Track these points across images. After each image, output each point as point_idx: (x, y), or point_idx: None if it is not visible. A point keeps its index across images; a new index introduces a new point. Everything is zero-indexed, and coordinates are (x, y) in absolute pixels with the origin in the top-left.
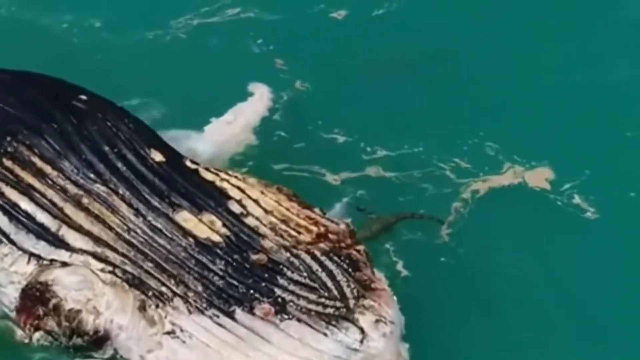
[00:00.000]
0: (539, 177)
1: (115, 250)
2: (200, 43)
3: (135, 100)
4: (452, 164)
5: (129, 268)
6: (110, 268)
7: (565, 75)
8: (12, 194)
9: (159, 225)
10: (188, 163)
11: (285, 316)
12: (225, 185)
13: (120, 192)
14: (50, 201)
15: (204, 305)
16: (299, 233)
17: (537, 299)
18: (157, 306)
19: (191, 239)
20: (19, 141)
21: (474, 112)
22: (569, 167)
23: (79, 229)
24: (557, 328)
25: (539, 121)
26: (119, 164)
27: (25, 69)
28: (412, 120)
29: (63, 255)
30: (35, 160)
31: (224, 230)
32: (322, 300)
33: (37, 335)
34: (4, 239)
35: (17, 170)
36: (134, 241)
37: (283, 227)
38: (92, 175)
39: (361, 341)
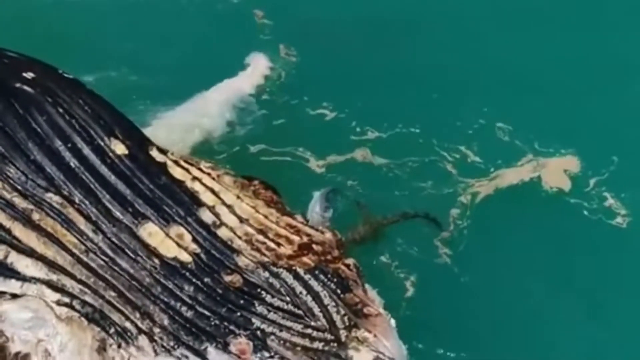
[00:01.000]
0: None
1: (72, 276)
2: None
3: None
4: (454, 152)
5: (88, 299)
6: (67, 299)
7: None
8: None
9: (121, 243)
10: (154, 153)
11: (266, 354)
12: (197, 186)
13: (77, 201)
14: None
15: (172, 343)
16: (279, 245)
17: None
18: (119, 346)
19: (156, 260)
20: None
21: (480, 89)
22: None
23: (30, 253)
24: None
25: (555, 102)
26: (74, 163)
27: None
28: (410, 96)
29: (13, 285)
30: None
31: (193, 247)
32: (309, 331)
33: None
34: None
35: None
36: (94, 265)
37: (261, 238)
38: (42, 182)
39: None
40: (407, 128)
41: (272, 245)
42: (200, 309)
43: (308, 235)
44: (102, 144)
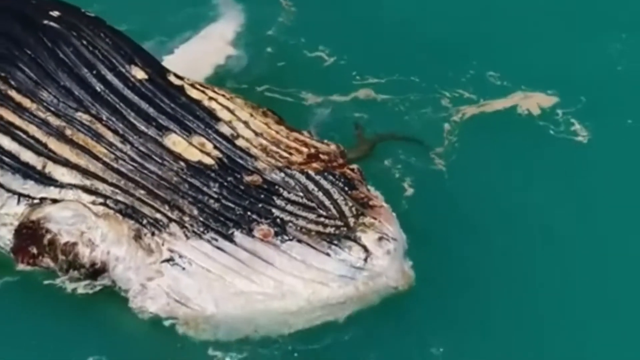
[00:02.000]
0: (533, 103)
1: (104, 181)
2: None
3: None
4: (451, 91)
5: (120, 198)
6: (101, 200)
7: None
8: None
9: (148, 151)
10: (172, 78)
11: (286, 237)
12: (213, 105)
13: (104, 118)
14: (33, 137)
15: (201, 229)
16: (290, 154)
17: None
18: (152, 234)
19: (182, 163)
20: None
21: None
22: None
23: (65, 163)
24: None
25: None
26: (100, 87)
27: None
28: (406, 47)
29: (52, 192)
30: (13, 94)
31: (215, 153)
32: (322, 219)
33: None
34: None
35: None
36: (123, 169)
37: (274, 148)
38: (72, 104)
39: (365, 259)
40: (406, 76)
41: (285, 154)
42: (226, 202)
43: (315, 147)
44: (123, 70)
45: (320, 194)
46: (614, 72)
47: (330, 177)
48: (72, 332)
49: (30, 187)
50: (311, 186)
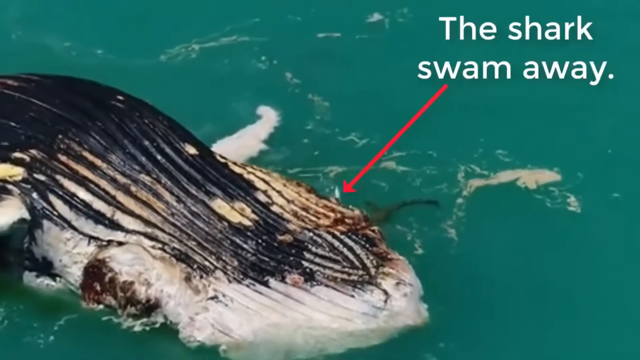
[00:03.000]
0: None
1: (163, 230)
2: (205, 67)
3: None
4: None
5: (176, 245)
6: (159, 245)
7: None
8: (70, 186)
9: (198, 211)
10: (218, 157)
11: (314, 283)
12: (252, 177)
13: (163, 181)
14: (104, 190)
15: (241, 276)
16: (319, 218)
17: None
18: (201, 277)
19: (225, 223)
20: (70, 138)
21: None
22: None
23: (130, 213)
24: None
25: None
26: (159, 157)
27: None
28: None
29: (119, 236)
30: (86, 154)
31: (253, 216)
32: (346, 269)
33: (99, 308)
34: (66, 225)
35: (72, 164)
36: (178, 224)
37: (304, 213)
38: (136, 167)
39: (385, 300)
40: (424, 151)
41: (314, 218)
42: (261, 256)
43: (341, 212)
44: (178, 146)
45: (344, 250)
46: (605, 154)
47: (354, 236)
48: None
49: (100, 231)
50: (337, 243)
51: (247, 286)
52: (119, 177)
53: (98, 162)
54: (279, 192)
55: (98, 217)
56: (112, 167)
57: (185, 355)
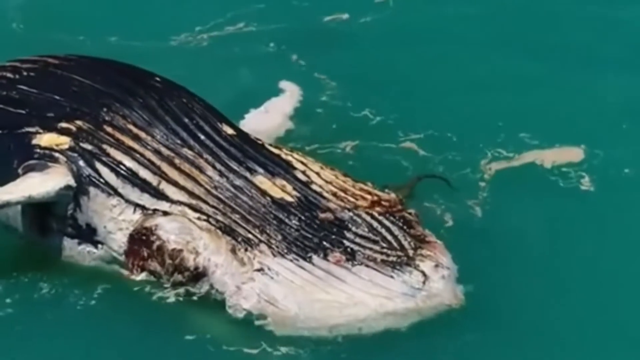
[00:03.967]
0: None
1: (207, 202)
2: (219, 51)
3: None
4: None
5: (220, 218)
6: (204, 217)
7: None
8: (117, 154)
9: (240, 185)
10: (252, 137)
11: (355, 262)
12: (289, 158)
13: (204, 156)
14: (149, 160)
15: (285, 250)
16: (356, 200)
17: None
18: (245, 250)
19: (268, 198)
20: (114, 112)
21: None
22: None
23: (175, 184)
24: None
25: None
26: (199, 134)
27: None
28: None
29: (164, 205)
30: (131, 127)
31: (294, 193)
32: (385, 250)
33: (142, 275)
34: (112, 192)
35: (117, 134)
36: (222, 197)
37: (342, 194)
38: (179, 141)
39: (424, 282)
40: (443, 132)
41: (352, 199)
42: (304, 232)
43: (377, 195)
44: (216, 125)
45: (383, 230)
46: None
47: (392, 218)
48: (171, 331)
49: (146, 199)
50: (375, 224)
51: (291, 261)
52: (163, 150)
53: (142, 134)
54: (317, 173)
55: (144, 186)
56: (156, 140)
57: (220, 325)
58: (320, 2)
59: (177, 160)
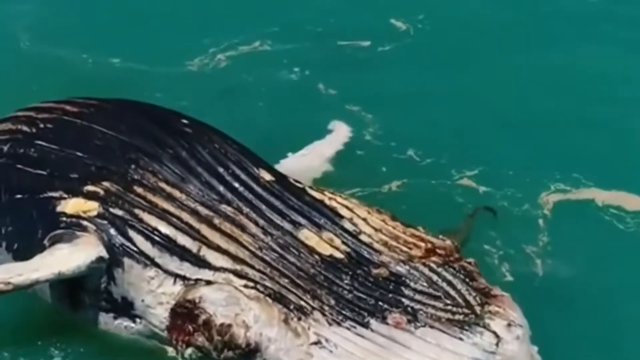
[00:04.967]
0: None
1: (252, 267)
2: (232, 78)
3: None
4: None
5: (268, 284)
6: (251, 284)
7: None
8: (151, 220)
9: (286, 243)
10: (292, 181)
11: (418, 324)
12: (334, 204)
13: (245, 211)
14: (187, 224)
15: (340, 317)
16: (410, 249)
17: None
18: (299, 319)
19: (317, 256)
20: (143, 168)
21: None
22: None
23: (217, 248)
24: None
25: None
26: (236, 184)
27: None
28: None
29: (206, 274)
30: (163, 185)
31: (343, 247)
32: (449, 307)
33: (188, 351)
34: (149, 263)
35: (149, 196)
36: (267, 258)
37: (394, 243)
38: (215, 197)
39: (497, 344)
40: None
41: (405, 248)
42: (358, 293)
43: (431, 242)
44: (252, 172)
45: (444, 285)
46: None
47: (451, 270)
48: None
49: (186, 269)
50: (435, 277)
51: (348, 329)
52: (200, 209)
53: (176, 193)
54: (364, 219)
55: (183, 253)
56: (192, 198)
57: None
58: (336, 27)
59: (216, 220)
